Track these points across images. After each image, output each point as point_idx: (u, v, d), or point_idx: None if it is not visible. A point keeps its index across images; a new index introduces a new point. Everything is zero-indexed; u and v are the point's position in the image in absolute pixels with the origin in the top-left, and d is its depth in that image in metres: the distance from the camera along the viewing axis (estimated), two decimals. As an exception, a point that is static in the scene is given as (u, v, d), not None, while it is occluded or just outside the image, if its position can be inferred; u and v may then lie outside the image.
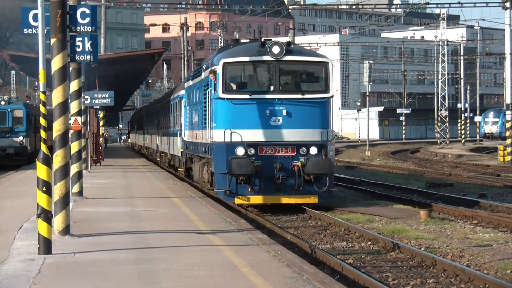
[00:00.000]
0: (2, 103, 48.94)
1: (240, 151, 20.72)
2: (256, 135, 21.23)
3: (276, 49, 21.24)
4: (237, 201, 21.26)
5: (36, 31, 14.73)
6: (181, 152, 32.82)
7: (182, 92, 33.08)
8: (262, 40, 22.17)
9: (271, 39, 23.11)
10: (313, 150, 21.09)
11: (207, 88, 23.17)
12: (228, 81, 21.50)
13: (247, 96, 21.43)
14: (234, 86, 21.71)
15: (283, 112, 21.22)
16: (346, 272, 13.39)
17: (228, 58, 21.61)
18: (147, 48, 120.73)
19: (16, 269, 11.85)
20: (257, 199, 21.20)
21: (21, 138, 47.69)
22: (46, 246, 13.06)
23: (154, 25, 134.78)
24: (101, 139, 47.31)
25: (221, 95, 21.34)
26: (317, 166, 20.85)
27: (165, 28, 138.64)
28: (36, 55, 15.24)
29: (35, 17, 14.93)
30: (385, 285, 12.51)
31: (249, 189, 20.85)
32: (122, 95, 65.74)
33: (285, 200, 21.30)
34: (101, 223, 17.29)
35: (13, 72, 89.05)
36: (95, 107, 37.37)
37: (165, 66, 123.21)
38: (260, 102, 21.33)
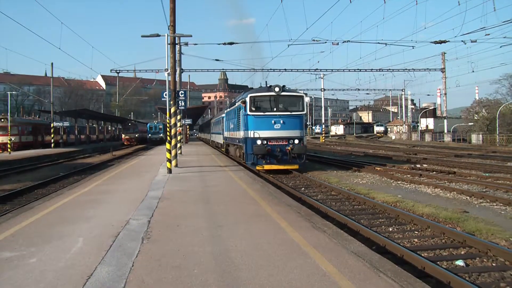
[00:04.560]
0: (155, 122, 50.94)
1: (259, 142, 16.04)
2: (267, 133, 16.21)
3: (277, 89, 16.39)
4: (258, 168, 16.12)
5: (167, 98, 14.66)
6: (223, 142, 26.46)
7: (223, 115, 26.68)
8: (269, 86, 17.16)
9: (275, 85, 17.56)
10: (296, 141, 16.25)
11: (239, 110, 18.03)
12: (252, 105, 16.48)
13: (262, 113, 16.33)
14: (255, 108, 16.57)
15: (281, 121, 16.17)
16: (292, 191, 11.15)
17: (252, 94, 16.67)
18: (203, 104, 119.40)
19: (160, 179, 11.79)
20: (268, 166, 15.93)
21: (161, 135, 48.14)
22: (169, 171, 12.96)
23: (205, 96, 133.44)
24: (187, 135, 47.67)
25: (249, 113, 16.40)
26: (299, 149, 16.03)
27: (208, 97, 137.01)
28: (166, 107, 15.70)
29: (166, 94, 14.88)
30: (306, 195, 10.52)
31: (264, 161, 16.02)
32: (194, 120, 65.60)
33: (282, 167, 16.08)
34: (188, 164, 16.69)
35: (159, 112, 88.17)
36: (185, 124, 37.68)
37: (209, 111, 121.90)
38: (269, 116, 16.23)
